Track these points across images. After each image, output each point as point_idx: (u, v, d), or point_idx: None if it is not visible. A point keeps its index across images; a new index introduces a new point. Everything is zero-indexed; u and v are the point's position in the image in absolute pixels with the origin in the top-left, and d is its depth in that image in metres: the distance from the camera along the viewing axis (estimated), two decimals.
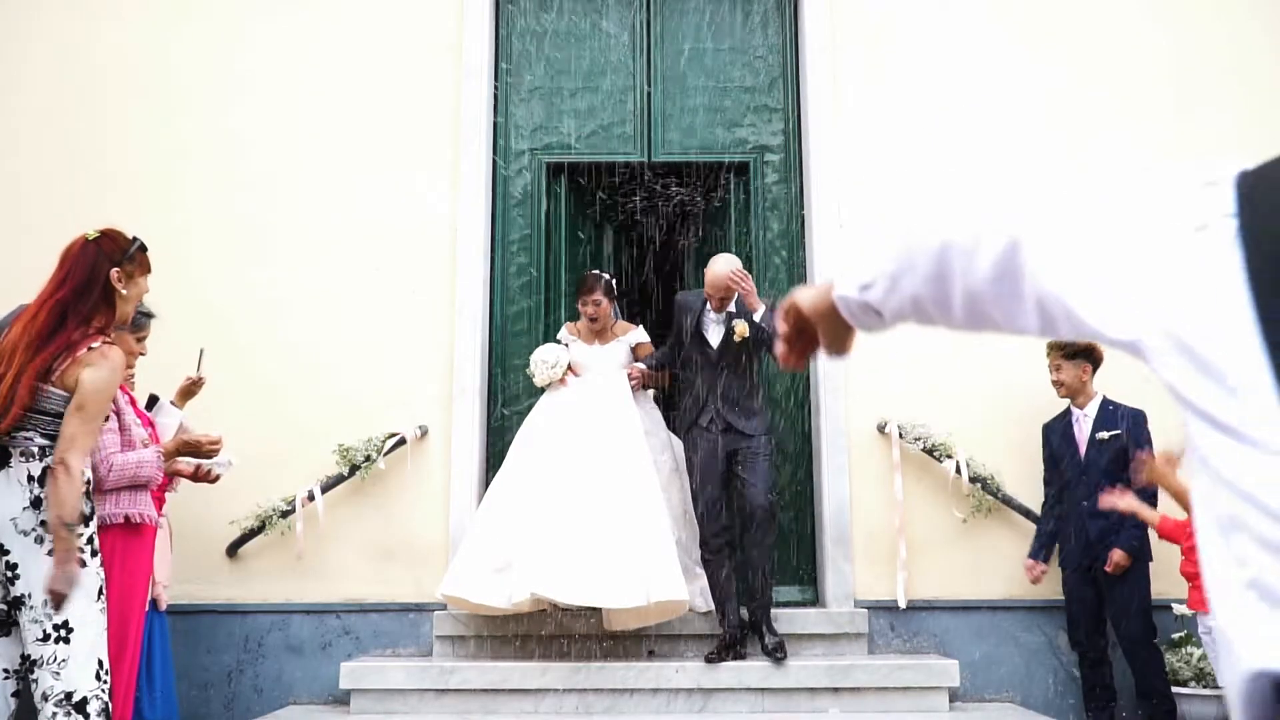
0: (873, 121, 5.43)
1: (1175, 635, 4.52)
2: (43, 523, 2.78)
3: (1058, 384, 4.63)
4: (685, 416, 4.78)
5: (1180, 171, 0.85)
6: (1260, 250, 0.77)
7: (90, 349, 2.84)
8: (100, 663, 2.83)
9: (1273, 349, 0.74)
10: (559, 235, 5.58)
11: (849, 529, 5.03)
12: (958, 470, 4.93)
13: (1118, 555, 4.35)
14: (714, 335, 4.66)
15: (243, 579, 4.97)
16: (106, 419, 3.00)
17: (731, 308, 4.66)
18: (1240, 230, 0.78)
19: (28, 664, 2.79)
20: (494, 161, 5.58)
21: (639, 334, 5.03)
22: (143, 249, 3.06)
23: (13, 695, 2.83)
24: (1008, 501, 4.93)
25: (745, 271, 4.58)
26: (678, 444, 4.99)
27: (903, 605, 4.92)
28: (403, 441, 5.02)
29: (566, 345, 5.00)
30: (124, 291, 2.98)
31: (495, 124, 5.60)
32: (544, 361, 4.87)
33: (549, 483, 4.53)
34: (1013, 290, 0.97)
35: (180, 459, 3.69)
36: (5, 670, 2.83)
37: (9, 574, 2.78)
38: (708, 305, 4.71)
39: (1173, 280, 0.81)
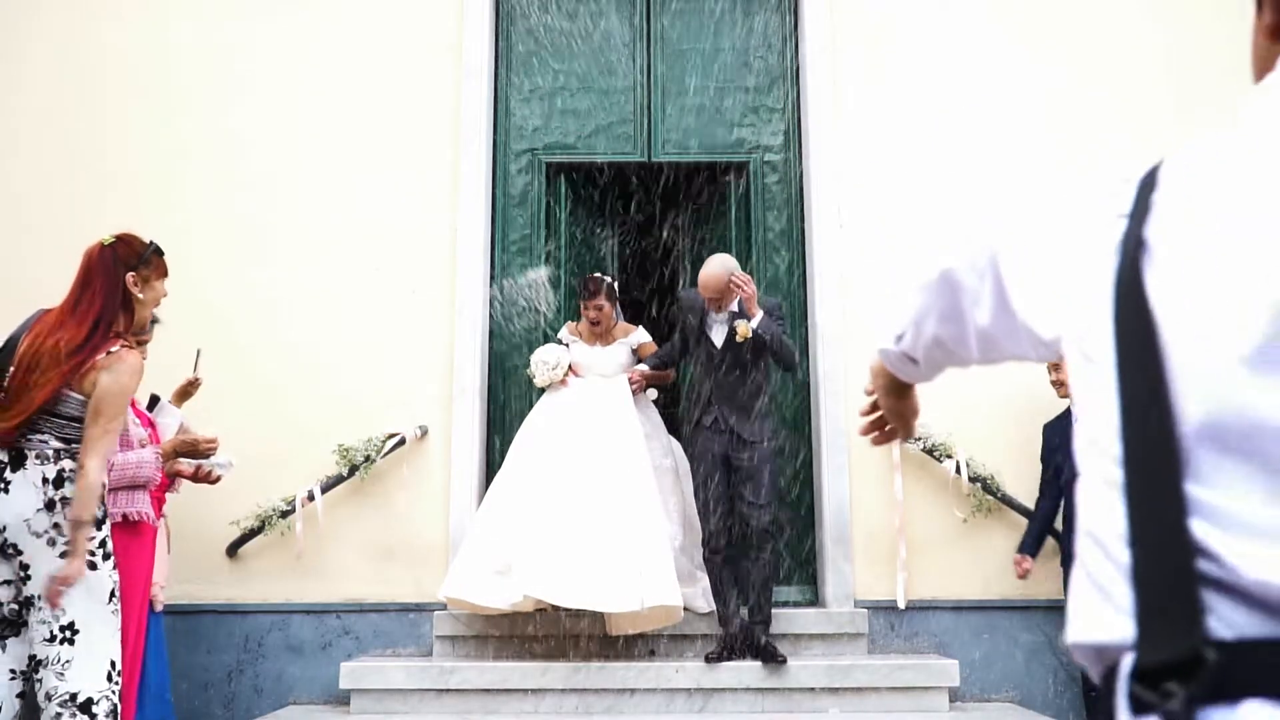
0: (873, 121, 5.43)
1: None
2: (56, 525, 2.80)
3: (1058, 384, 4.64)
4: (688, 416, 4.77)
5: (1116, 172, 0.87)
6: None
7: (109, 353, 2.87)
8: (113, 664, 2.85)
9: (1120, 356, 0.77)
10: (559, 235, 5.58)
11: (849, 529, 5.03)
12: (958, 470, 4.93)
13: None
14: (718, 335, 4.64)
15: (243, 579, 4.97)
16: None
17: (734, 307, 4.63)
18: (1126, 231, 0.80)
19: (33, 664, 2.81)
20: (494, 161, 5.58)
21: (640, 334, 5.02)
22: (158, 253, 3.09)
23: (18, 696, 2.85)
24: (1008, 501, 4.93)
25: (747, 275, 4.53)
26: (678, 446, 4.99)
27: (902, 605, 4.92)
28: (403, 442, 5.02)
29: (567, 345, 4.99)
30: (141, 296, 3.01)
31: (495, 124, 5.60)
32: (544, 362, 4.86)
33: (548, 485, 4.53)
34: (1007, 313, 0.98)
35: (180, 460, 3.70)
36: (12, 671, 2.85)
37: (22, 574, 2.81)
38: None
39: (1079, 280, 0.84)
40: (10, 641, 2.85)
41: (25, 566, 2.80)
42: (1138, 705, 0.71)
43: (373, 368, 5.16)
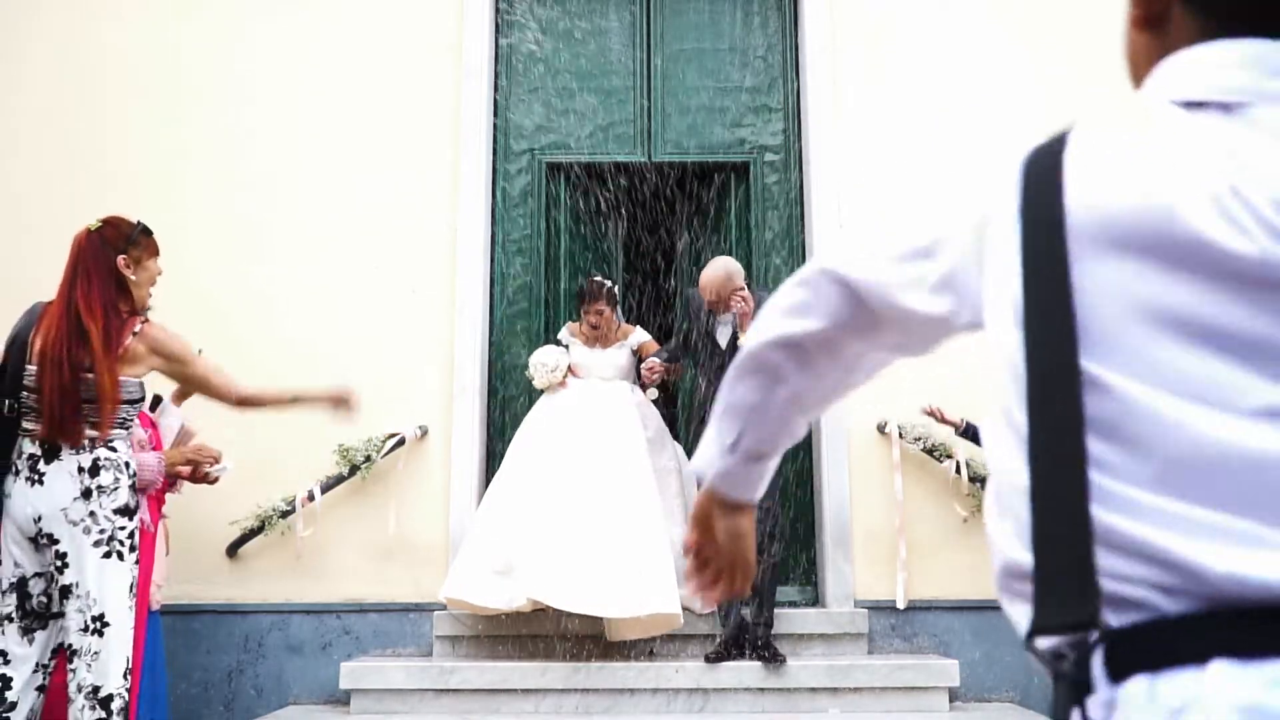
0: (873, 121, 5.43)
1: None
2: (91, 513, 2.85)
3: None
4: (692, 416, 4.76)
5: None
6: (1029, 230, 0.84)
7: (134, 334, 2.96)
8: (127, 660, 2.89)
9: (1026, 328, 0.80)
10: (559, 235, 5.58)
11: (849, 529, 5.03)
12: (958, 470, 4.93)
13: None
14: (722, 336, 4.63)
15: (243, 579, 4.97)
16: (134, 421, 3.10)
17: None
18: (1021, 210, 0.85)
19: (68, 654, 2.84)
20: (494, 161, 5.58)
21: (639, 334, 5.02)
22: (146, 232, 3.14)
23: (37, 689, 2.87)
24: None
25: (748, 294, 4.48)
26: (679, 448, 4.99)
27: (902, 605, 4.92)
28: (403, 441, 5.01)
29: (567, 347, 4.98)
30: (134, 277, 3.06)
31: (495, 124, 5.60)
32: (543, 365, 4.85)
33: (549, 486, 4.53)
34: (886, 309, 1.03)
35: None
36: (37, 664, 2.87)
37: (58, 563, 2.85)
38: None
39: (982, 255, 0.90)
40: (38, 635, 2.90)
41: (62, 555, 2.84)
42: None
43: (373, 367, 5.15)
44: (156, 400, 4.06)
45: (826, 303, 1.03)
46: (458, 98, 5.44)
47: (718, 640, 4.55)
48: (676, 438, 5.15)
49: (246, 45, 5.49)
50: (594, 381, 4.90)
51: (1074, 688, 0.72)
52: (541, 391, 4.96)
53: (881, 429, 5.07)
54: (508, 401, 5.37)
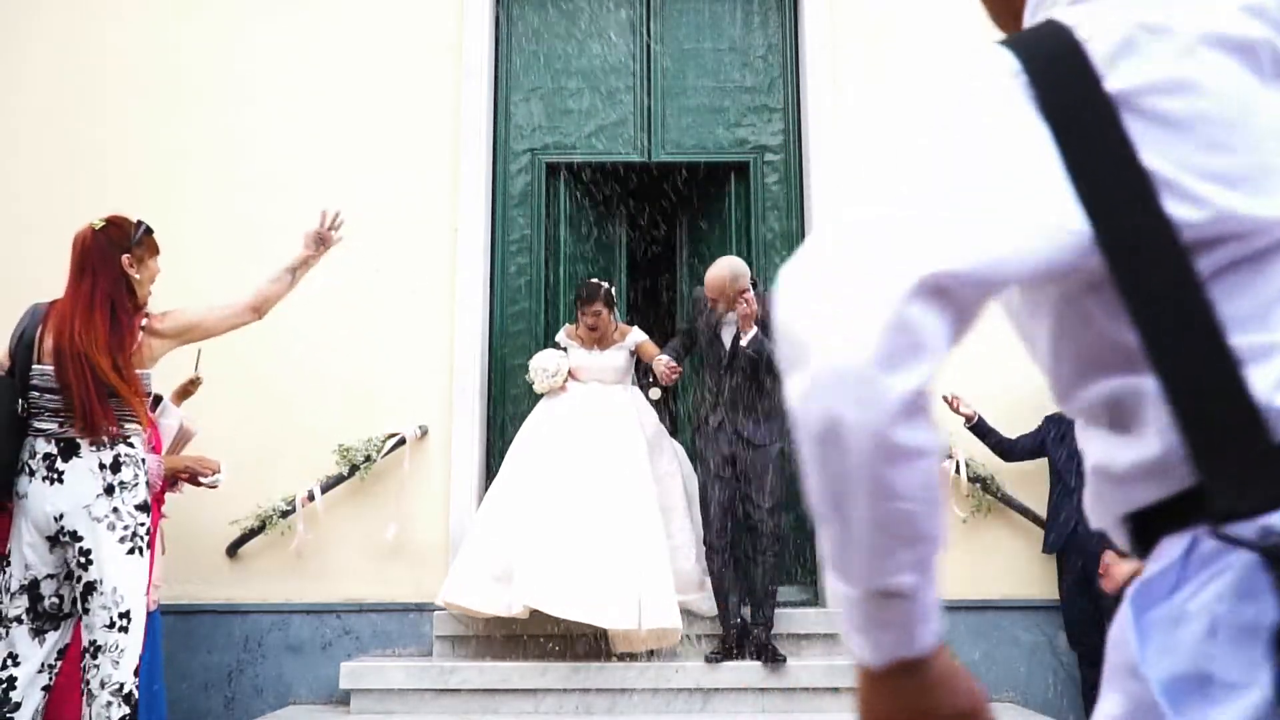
0: (873, 121, 5.42)
1: None
2: (115, 510, 2.87)
3: None
4: (694, 415, 4.75)
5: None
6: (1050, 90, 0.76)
7: (142, 329, 3.00)
8: (140, 657, 2.93)
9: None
10: (559, 235, 5.58)
11: None
12: (957, 470, 4.93)
13: (1111, 556, 4.36)
14: (727, 335, 4.61)
15: (243, 579, 4.97)
16: (147, 418, 3.12)
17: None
18: (1030, 79, 0.77)
19: (91, 650, 2.85)
20: (494, 161, 5.58)
21: (637, 334, 5.01)
22: (149, 231, 3.17)
23: (42, 689, 2.87)
24: (1008, 501, 4.93)
25: (751, 296, 4.46)
26: (680, 449, 4.98)
27: None
28: (403, 441, 5.01)
29: (565, 349, 4.97)
30: (137, 276, 3.09)
31: (495, 124, 5.60)
32: (544, 369, 4.84)
33: (548, 492, 4.52)
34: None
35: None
36: (43, 664, 2.87)
37: (81, 559, 2.86)
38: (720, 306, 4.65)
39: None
40: (49, 636, 2.90)
41: (85, 553, 2.85)
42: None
43: (373, 368, 5.16)
44: (157, 400, 4.06)
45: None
46: (458, 98, 5.44)
47: (718, 640, 4.55)
48: (675, 435, 5.15)
49: (246, 45, 5.49)
50: (594, 386, 4.88)
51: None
52: (541, 393, 4.95)
53: None
54: (508, 401, 5.37)
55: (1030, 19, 0.87)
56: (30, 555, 2.88)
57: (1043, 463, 4.79)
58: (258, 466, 4.87)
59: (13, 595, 2.87)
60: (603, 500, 4.49)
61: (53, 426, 2.90)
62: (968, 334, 0.80)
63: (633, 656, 4.56)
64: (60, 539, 2.87)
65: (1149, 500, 0.78)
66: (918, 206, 0.74)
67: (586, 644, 4.56)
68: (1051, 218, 0.73)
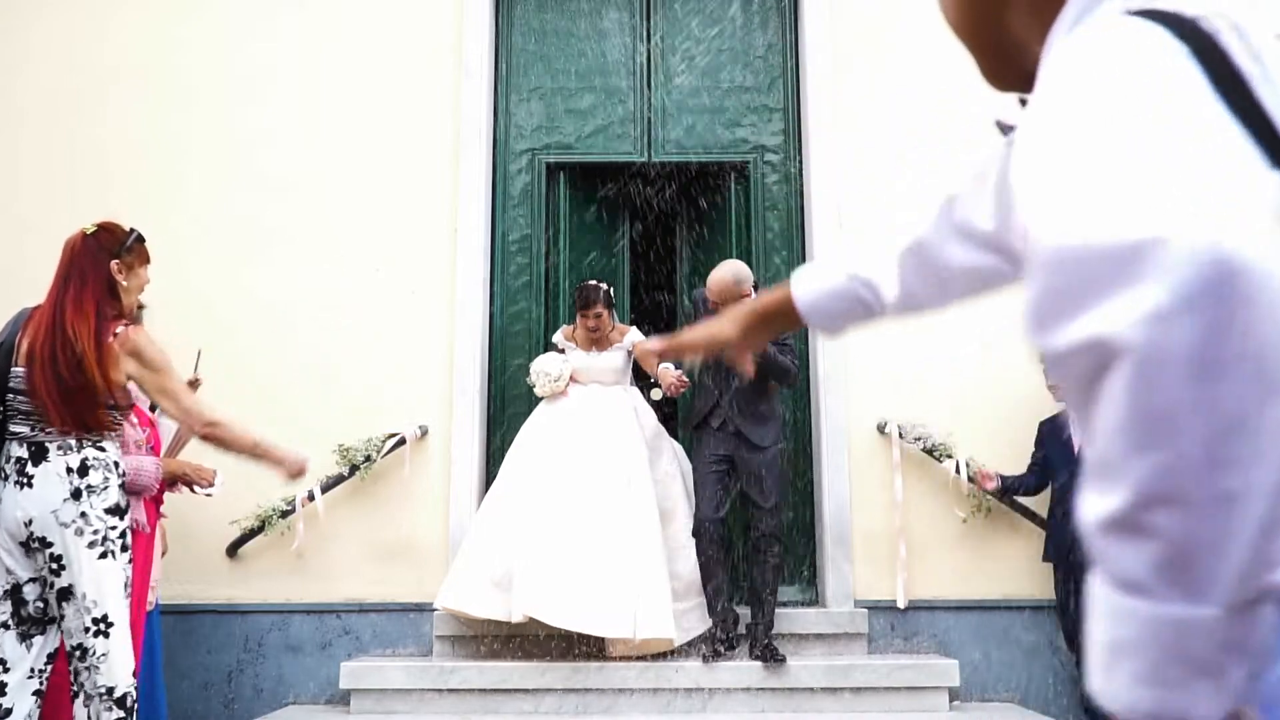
0: (873, 121, 5.43)
1: None
2: (83, 514, 2.83)
3: (1054, 388, 4.65)
4: (694, 416, 4.74)
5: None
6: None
7: (115, 335, 2.93)
8: (131, 658, 2.89)
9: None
10: (559, 235, 5.58)
11: (849, 529, 5.03)
12: (957, 470, 4.93)
13: None
14: None
15: (243, 579, 4.97)
16: (122, 422, 3.07)
17: None
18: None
19: (77, 655, 2.83)
20: (494, 161, 5.58)
21: (634, 334, 5.00)
22: (140, 240, 3.12)
23: (34, 694, 2.85)
24: (1008, 501, 4.93)
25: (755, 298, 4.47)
26: (678, 447, 4.98)
27: (903, 605, 4.92)
28: (403, 441, 5.01)
29: (563, 351, 4.97)
30: (125, 283, 3.05)
31: (495, 124, 5.60)
32: (547, 373, 4.82)
33: (548, 497, 4.52)
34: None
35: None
36: (33, 670, 2.86)
37: (53, 565, 2.82)
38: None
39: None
40: (36, 640, 2.88)
41: (56, 559, 2.82)
42: None
43: (373, 368, 5.16)
44: None
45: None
46: (458, 98, 5.44)
47: (711, 640, 4.54)
48: (674, 435, 5.14)
49: (246, 46, 5.49)
50: (593, 387, 4.88)
51: None
52: (541, 396, 4.94)
53: (881, 429, 5.07)
54: (508, 401, 5.37)
55: (1068, 30, 0.81)
56: (8, 560, 2.85)
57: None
58: (258, 467, 4.86)
59: None
60: (601, 507, 4.49)
61: (25, 430, 2.87)
62: None
63: (632, 657, 4.57)
64: (31, 545, 2.83)
65: None
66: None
67: (586, 644, 4.56)
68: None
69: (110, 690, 2.81)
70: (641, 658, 4.48)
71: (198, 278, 5.16)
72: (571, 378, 4.88)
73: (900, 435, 5.01)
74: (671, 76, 5.66)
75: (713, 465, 4.55)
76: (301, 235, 5.30)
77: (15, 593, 2.86)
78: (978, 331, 5.17)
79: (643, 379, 5.10)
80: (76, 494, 2.84)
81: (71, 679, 2.86)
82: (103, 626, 2.82)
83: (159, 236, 5.27)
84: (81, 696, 2.84)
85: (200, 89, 5.45)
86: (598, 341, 4.90)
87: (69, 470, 2.85)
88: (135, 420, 3.46)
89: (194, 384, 4.29)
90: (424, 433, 5.10)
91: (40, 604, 2.87)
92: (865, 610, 4.89)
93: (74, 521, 2.82)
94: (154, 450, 3.60)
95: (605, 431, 4.71)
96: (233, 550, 4.94)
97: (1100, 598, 0.65)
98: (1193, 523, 0.60)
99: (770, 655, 4.42)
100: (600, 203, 5.79)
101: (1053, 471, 4.67)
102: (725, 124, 5.62)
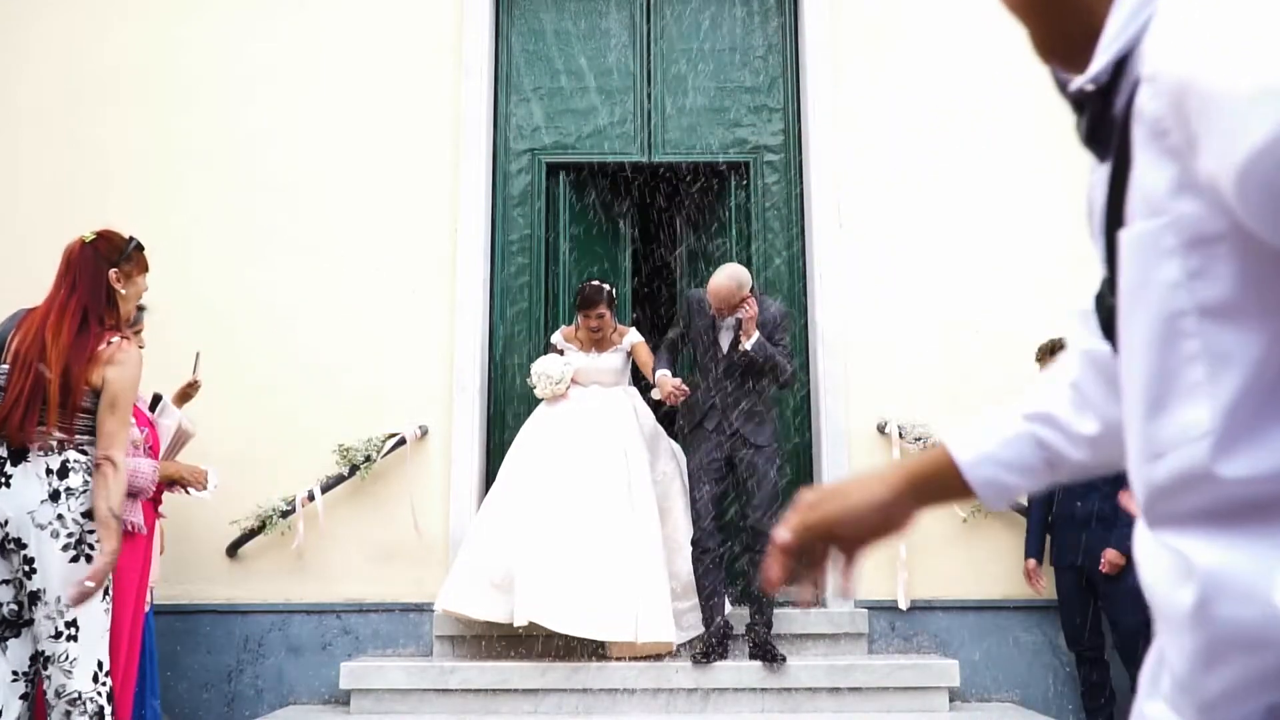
0: (873, 121, 5.43)
1: None
2: (59, 516, 2.80)
3: None
4: (690, 418, 4.74)
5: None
6: None
7: (109, 343, 2.90)
8: (100, 664, 2.84)
9: None
10: (559, 235, 5.58)
11: None
12: None
13: (1112, 554, 4.39)
14: (725, 339, 4.60)
15: (243, 579, 4.97)
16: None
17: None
18: None
19: (41, 661, 2.80)
20: (494, 161, 5.58)
21: (633, 335, 4.99)
22: (139, 248, 3.11)
23: (20, 698, 2.84)
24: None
25: (752, 300, 4.46)
26: (676, 447, 4.98)
27: (903, 606, 4.92)
28: (403, 441, 5.01)
29: (562, 352, 4.97)
30: (123, 291, 3.04)
31: (495, 124, 5.60)
32: (548, 376, 4.81)
33: (548, 499, 4.52)
34: None
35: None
36: (15, 673, 2.83)
37: (26, 568, 2.79)
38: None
39: None
40: (12, 643, 2.84)
41: (29, 561, 2.79)
42: None
43: (373, 368, 5.16)
44: (156, 399, 4.06)
45: None
46: (458, 98, 5.44)
47: (702, 641, 4.53)
48: (673, 435, 5.14)
49: (246, 46, 5.49)
50: (593, 388, 4.88)
51: None
52: (542, 398, 4.93)
53: (881, 429, 5.07)
54: (508, 401, 5.37)
55: (1125, 27, 0.77)
56: None
57: None
58: (258, 466, 4.87)
59: None
60: (602, 509, 4.49)
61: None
62: None
63: (632, 657, 4.56)
64: (7, 546, 2.80)
65: None
66: None
67: (586, 645, 4.57)
68: None
69: (77, 695, 2.77)
70: (641, 658, 4.48)
71: (198, 278, 5.16)
72: (571, 379, 4.88)
73: (900, 435, 5.01)
74: (671, 76, 5.66)
75: (710, 472, 4.55)
76: (301, 235, 5.30)
77: None
78: (978, 331, 5.17)
79: (641, 379, 5.10)
80: (55, 496, 2.81)
81: (39, 687, 2.82)
82: (72, 631, 2.77)
83: (159, 237, 5.28)
84: (46, 704, 2.80)
85: (200, 89, 5.45)
86: (598, 342, 4.90)
87: (49, 471, 2.82)
88: (133, 420, 3.46)
89: (193, 386, 4.30)
90: (424, 433, 5.10)
91: (15, 606, 2.83)
92: (865, 610, 4.89)
93: (50, 523, 2.79)
94: (152, 451, 3.60)
95: (605, 433, 4.71)
96: (233, 550, 4.94)
97: None
98: None
99: (770, 655, 4.42)
100: (600, 203, 5.79)
101: None
102: (725, 124, 5.62)
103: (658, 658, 4.55)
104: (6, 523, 2.79)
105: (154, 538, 3.71)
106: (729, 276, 4.48)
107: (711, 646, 4.46)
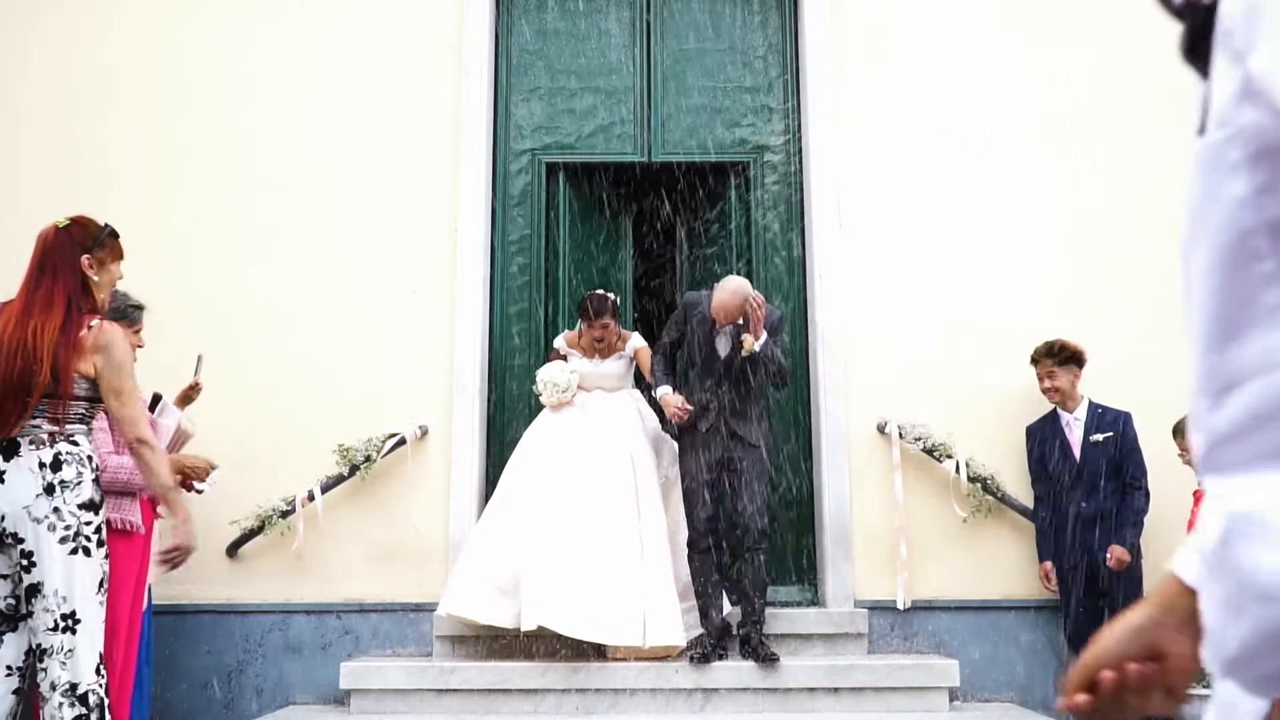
0: (873, 122, 5.43)
1: None
2: (55, 509, 2.80)
3: (1052, 390, 4.68)
4: (685, 422, 4.73)
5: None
6: None
7: (89, 328, 2.89)
8: (100, 656, 2.85)
9: None
10: (559, 235, 5.58)
11: (849, 529, 5.03)
12: (957, 470, 4.93)
13: (1119, 552, 4.40)
14: (722, 346, 4.60)
15: (243, 579, 4.97)
16: (95, 416, 3.02)
17: (740, 319, 4.58)
18: None
19: (37, 653, 2.80)
20: (494, 161, 5.58)
21: (637, 340, 4.98)
22: (114, 235, 3.09)
23: (14, 693, 2.84)
24: (1008, 501, 4.93)
25: (761, 298, 4.46)
26: (676, 449, 4.97)
27: (902, 606, 4.92)
28: (403, 441, 5.01)
29: (566, 358, 4.96)
30: (96, 278, 3.02)
31: (495, 124, 5.60)
32: (554, 384, 4.79)
33: (554, 503, 4.51)
34: None
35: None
36: (9, 667, 2.84)
37: (24, 562, 2.80)
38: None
39: None
40: (8, 637, 2.85)
41: (28, 555, 2.79)
42: None
43: (373, 368, 5.16)
44: (156, 399, 4.06)
45: None
46: (458, 98, 5.44)
47: (699, 642, 4.53)
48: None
49: (246, 46, 5.49)
50: (597, 394, 4.88)
51: None
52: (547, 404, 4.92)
53: (881, 429, 5.07)
54: (508, 401, 5.37)
55: None
56: None
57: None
58: (258, 466, 4.87)
59: None
60: (609, 513, 4.49)
61: None
62: None
63: (633, 657, 4.56)
64: (5, 540, 2.81)
65: None
66: None
67: (586, 645, 4.56)
68: None
69: (73, 686, 2.77)
70: (642, 658, 4.48)
71: (198, 278, 5.16)
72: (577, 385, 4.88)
73: (900, 435, 5.01)
74: (671, 76, 5.66)
75: (704, 474, 4.55)
76: (301, 235, 5.30)
77: None
78: (978, 331, 5.17)
79: (644, 382, 5.09)
80: (49, 489, 2.81)
81: (35, 679, 2.82)
82: (70, 623, 2.78)
83: (159, 236, 5.30)
84: (40, 697, 2.80)
85: (200, 89, 5.45)
86: (603, 349, 4.90)
87: (41, 465, 2.82)
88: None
89: (194, 388, 4.30)
90: (424, 433, 5.10)
91: (12, 601, 2.84)
92: (865, 610, 4.89)
93: (46, 517, 2.79)
94: None
95: (612, 437, 4.70)
96: (233, 550, 4.94)
97: None
98: None
99: (762, 655, 4.41)
100: (600, 203, 5.79)
101: (1055, 476, 4.67)
102: (725, 124, 5.62)
103: (660, 658, 4.55)
104: (3, 518, 2.80)
105: (152, 537, 3.71)
106: (733, 293, 4.48)
107: (710, 647, 4.46)
